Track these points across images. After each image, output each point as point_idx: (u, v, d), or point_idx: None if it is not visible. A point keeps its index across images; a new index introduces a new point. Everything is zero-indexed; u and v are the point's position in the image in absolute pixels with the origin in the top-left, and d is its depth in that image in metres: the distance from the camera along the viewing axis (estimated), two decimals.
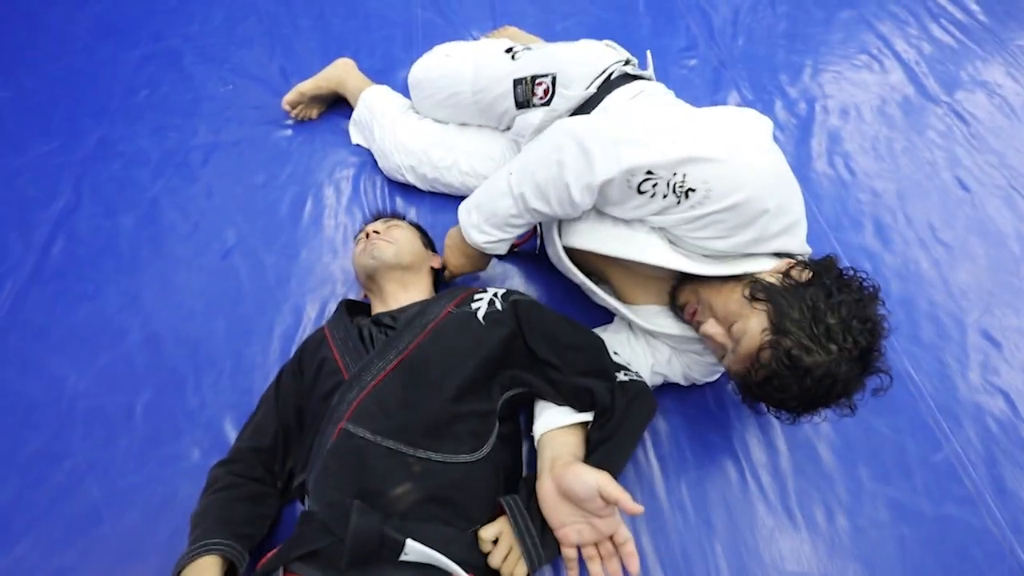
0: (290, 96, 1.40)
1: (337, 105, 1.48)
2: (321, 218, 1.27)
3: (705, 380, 0.96)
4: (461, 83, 1.15)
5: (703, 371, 0.94)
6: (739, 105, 1.50)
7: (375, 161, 1.35)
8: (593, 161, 0.76)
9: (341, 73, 1.42)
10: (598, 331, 0.99)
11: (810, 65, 1.61)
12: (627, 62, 1.03)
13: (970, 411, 0.99)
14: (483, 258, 1.00)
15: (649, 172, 0.74)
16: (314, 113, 1.46)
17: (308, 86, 1.41)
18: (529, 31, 1.70)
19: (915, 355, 1.05)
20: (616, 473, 0.79)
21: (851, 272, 0.75)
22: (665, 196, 0.75)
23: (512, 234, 0.91)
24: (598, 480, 0.67)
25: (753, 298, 0.72)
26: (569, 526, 0.70)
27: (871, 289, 0.73)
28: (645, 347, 0.94)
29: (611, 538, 0.69)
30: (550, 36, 1.65)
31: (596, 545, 0.70)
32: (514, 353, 0.86)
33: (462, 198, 1.25)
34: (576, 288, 1.00)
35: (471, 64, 1.15)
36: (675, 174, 0.73)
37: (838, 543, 0.86)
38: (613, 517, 0.69)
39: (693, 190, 0.73)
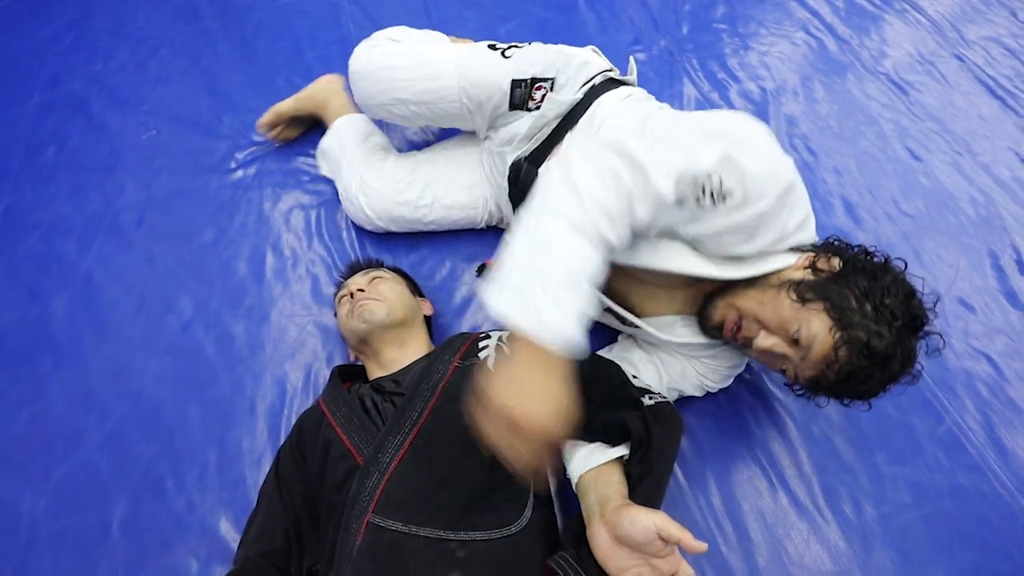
0: (266, 117, 1.28)
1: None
2: (286, 271, 1.17)
3: (719, 387, 0.95)
4: (443, 76, 0.98)
5: (718, 377, 0.92)
6: (697, 97, 1.49)
7: (334, 198, 1.25)
8: (648, 171, 0.64)
9: (325, 93, 1.29)
10: (604, 353, 0.96)
11: (754, 48, 1.63)
12: (610, 70, 0.99)
13: (961, 379, 1.04)
14: (562, 385, 0.58)
15: (693, 177, 0.68)
16: (293, 134, 1.34)
17: (287, 107, 1.29)
18: (470, 36, 1.62)
19: (925, 295, 1.08)
20: (661, 503, 0.76)
21: (862, 248, 0.76)
22: (699, 200, 0.69)
23: (592, 292, 0.59)
24: (655, 522, 0.64)
25: (804, 300, 0.71)
26: (628, 571, 0.66)
27: (888, 259, 0.74)
28: (658, 364, 0.91)
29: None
30: (495, 40, 1.58)
31: None
32: None
33: (437, 235, 1.18)
34: None
35: (453, 57, 1.00)
36: (711, 176, 0.67)
37: (870, 534, 0.88)
38: (674, 555, 0.66)
39: (731, 193, 0.68)
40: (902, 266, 0.75)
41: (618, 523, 0.67)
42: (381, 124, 1.27)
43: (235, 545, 0.83)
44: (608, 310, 0.90)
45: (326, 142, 1.24)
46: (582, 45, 1.06)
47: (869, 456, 0.95)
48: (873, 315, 0.69)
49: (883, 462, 0.94)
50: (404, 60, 1.02)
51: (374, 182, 1.12)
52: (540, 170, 0.95)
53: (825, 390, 0.74)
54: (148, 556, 0.86)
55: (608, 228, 0.62)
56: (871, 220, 1.26)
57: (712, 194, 0.68)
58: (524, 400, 0.55)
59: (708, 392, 0.95)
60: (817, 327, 0.70)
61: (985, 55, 1.62)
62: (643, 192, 0.64)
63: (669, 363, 0.91)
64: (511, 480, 0.73)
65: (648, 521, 0.64)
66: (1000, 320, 1.11)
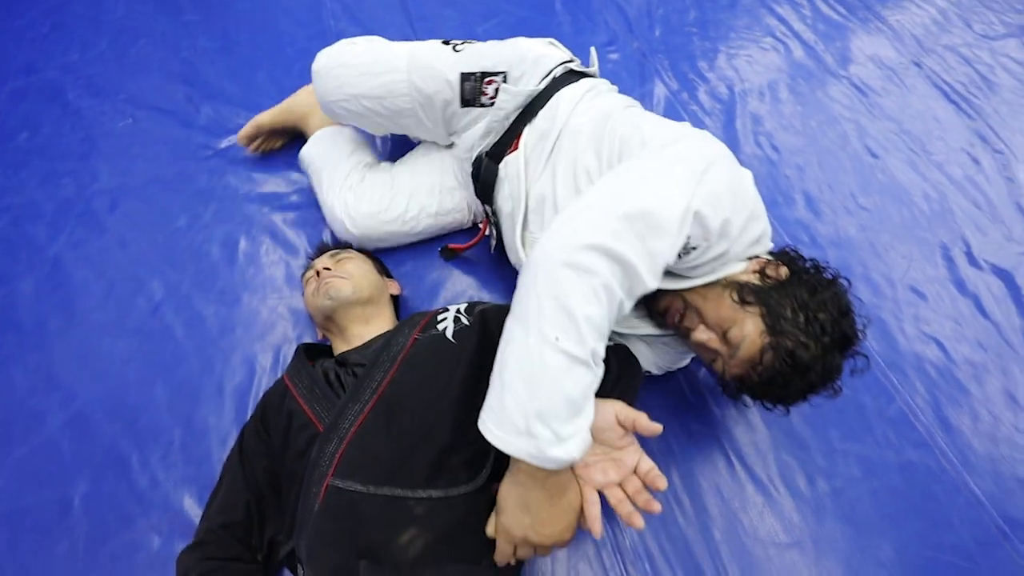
0: (246, 130, 1.26)
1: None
2: (258, 256, 1.18)
3: (675, 367, 0.98)
4: (394, 71, 0.99)
5: (672, 359, 0.95)
6: (667, 96, 1.54)
7: (309, 187, 1.27)
8: (638, 271, 0.62)
9: (306, 106, 1.26)
10: None
11: (724, 51, 1.69)
12: (570, 61, 1.01)
13: (911, 361, 1.08)
14: (569, 486, 0.65)
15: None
16: (277, 144, 1.32)
17: (267, 119, 1.26)
18: (450, 35, 1.64)
19: (859, 317, 1.13)
20: None
21: (814, 262, 0.78)
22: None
23: (592, 404, 0.62)
24: (614, 407, 0.66)
25: (744, 302, 0.73)
26: (592, 465, 0.67)
27: (836, 276, 0.77)
28: (616, 339, 0.93)
29: (635, 472, 0.67)
30: (473, 38, 1.62)
31: (621, 487, 0.66)
32: (491, 364, 0.83)
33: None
34: None
35: (406, 51, 1.01)
36: (689, 241, 0.68)
37: (822, 507, 0.91)
38: (633, 446, 0.67)
39: (695, 248, 0.70)
40: (847, 285, 0.77)
41: None
42: (370, 140, 1.26)
43: (198, 520, 0.83)
44: None
45: (307, 152, 1.21)
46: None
47: (822, 433, 0.98)
48: (804, 327, 0.71)
49: (836, 439, 0.98)
50: (359, 58, 1.04)
51: (360, 206, 1.09)
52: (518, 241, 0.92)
53: (748, 390, 0.77)
54: (109, 532, 0.86)
55: (602, 343, 0.61)
56: (830, 213, 1.31)
57: (687, 252, 0.70)
58: (538, 526, 0.63)
59: (667, 372, 0.98)
60: (749, 329, 0.72)
61: (942, 62, 1.70)
62: (633, 291, 0.64)
63: (628, 339, 0.93)
64: (470, 443, 0.75)
65: (607, 408, 0.66)
66: (949, 307, 1.16)
